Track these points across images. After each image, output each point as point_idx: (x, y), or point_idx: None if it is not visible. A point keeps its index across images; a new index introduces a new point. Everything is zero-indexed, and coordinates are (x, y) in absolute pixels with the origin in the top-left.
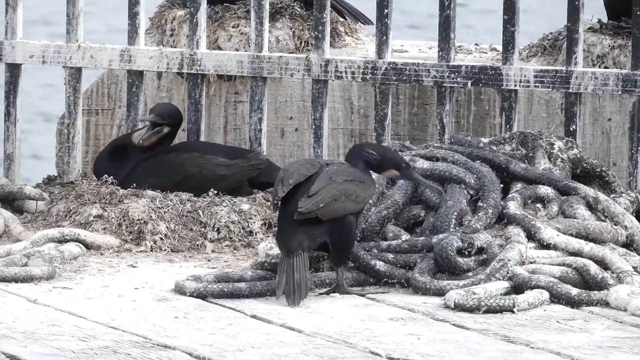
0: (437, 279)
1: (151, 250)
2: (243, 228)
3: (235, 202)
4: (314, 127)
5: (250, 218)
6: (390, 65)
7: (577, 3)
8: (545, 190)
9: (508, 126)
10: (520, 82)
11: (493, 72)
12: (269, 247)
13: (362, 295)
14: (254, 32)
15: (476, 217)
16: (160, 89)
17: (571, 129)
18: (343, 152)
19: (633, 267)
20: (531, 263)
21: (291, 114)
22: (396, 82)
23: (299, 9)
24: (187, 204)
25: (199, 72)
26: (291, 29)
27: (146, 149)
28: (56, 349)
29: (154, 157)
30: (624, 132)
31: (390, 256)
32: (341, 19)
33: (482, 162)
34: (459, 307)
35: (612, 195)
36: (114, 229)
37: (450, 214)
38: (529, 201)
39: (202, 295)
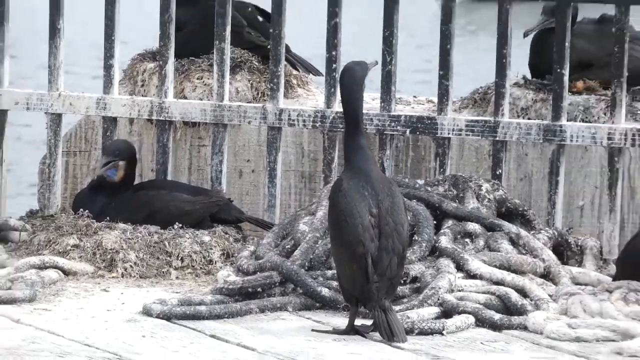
0: None
1: (122, 277)
2: (204, 257)
3: (197, 234)
4: (268, 169)
5: (211, 249)
6: (337, 115)
7: (504, 61)
8: (473, 226)
9: (441, 170)
10: (453, 130)
11: (429, 121)
12: (226, 274)
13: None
14: (216, 83)
15: (411, 249)
16: (132, 134)
17: (497, 172)
18: (295, 192)
19: (549, 295)
20: (459, 291)
21: (248, 156)
22: (342, 130)
23: (256, 63)
24: (154, 236)
25: (166, 119)
26: (249, 81)
27: (119, 184)
28: None
29: (125, 195)
30: (544, 177)
31: (335, 284)
32: (294, 72)
33: (417, 201)
34: None
35: (532, 232)
36: (89, 257)
37: None
38: (459, 236)
39: (167, 317)
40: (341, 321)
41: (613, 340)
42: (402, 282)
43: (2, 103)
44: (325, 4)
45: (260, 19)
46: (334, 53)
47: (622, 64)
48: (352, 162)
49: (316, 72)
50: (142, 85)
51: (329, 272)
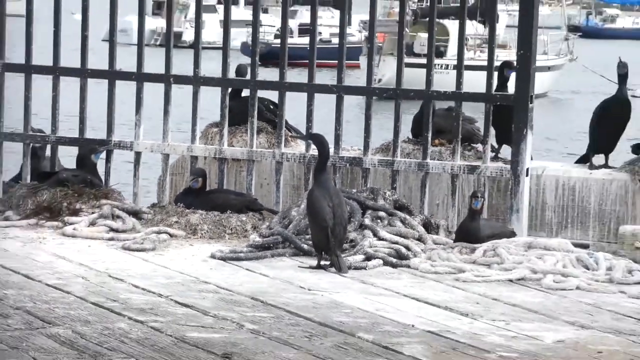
0: None
1: (200, 238)
2: (243, 228)
3: (239, 216)
4: (275, 183)
5: (246, 224)
6: (312, 156)
7: (397, 130)
8: (382, 213)
9: (365, 184)
10: (371, 164)
11: (359, 159)
12: (254, 237)
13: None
14: (249, 139)
15: (350, 225)
16: (205, 164)
17: (394, 186)
18: (289, 195)
19: (421, 250)
20: (375, 247)
21: (266, 176)
22: (315, 163)
23: (270, 129)
24: (217, 217)
25: (223, 157)
26: (266, 138)
27: (198, 190)
28: (155, 282)
29: (201, 196)
30: (419, 188)
31: (310, 242)
32: (289, 133)
33: (353, 200)
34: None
35: (412, 217)
36: (182, 228)
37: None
38: (374, 218)
39: (223, 259)
40: (313, 262)
41: (454, 273)
42: (345, 242)
43: (139, 148)
44: (304, 99)
45: (272, 107)
46: (310, 124)
47: (458, 131)
48: (318, 180)
49: (302, 136)
50: (211, 139)
51: (307, 236)
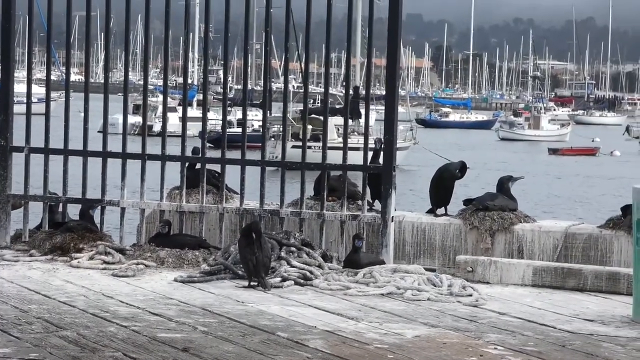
0: None
1: (166, 267)
2: (196, 260)
3: (194, 252)
4: (219, 228)
5: (199, 257)
6: (245, 209)
7: (303, 190)
8: (293, 248)
9: (281, 228)
10: (285, 214)
11: (277, 211)
12: (204, 266)
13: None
14: (200, 198)
15: (272, 257)
16: (170, 216)
17: (301, 229)
18: (229, 237)
19: (321, 274)
20: (289, 272)
21: (213, 224)
22: (245, 226)
23: (215, 191)
24: (178, 252)
25: (182, 210)
26: (212, 197)
27: (166, 234)
28: (135, 299)
29: (167, 238)
30: (318, 231)
31: (242, 270)
32: (229, 193)
33: (273, 239)
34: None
35: (314, 251)
36: (154, 260)
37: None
38: (288, 252)
39: (183, 282)
40: (246, 283)
41: (343, 290)
42: (269, 269)
43: (124, 204)
44: (239, 170)
45: (216, 175)
46: (243, 187)
47: (344, 190)
48: (242, 234)
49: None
50: (174, 198)
51: (241, 266)
